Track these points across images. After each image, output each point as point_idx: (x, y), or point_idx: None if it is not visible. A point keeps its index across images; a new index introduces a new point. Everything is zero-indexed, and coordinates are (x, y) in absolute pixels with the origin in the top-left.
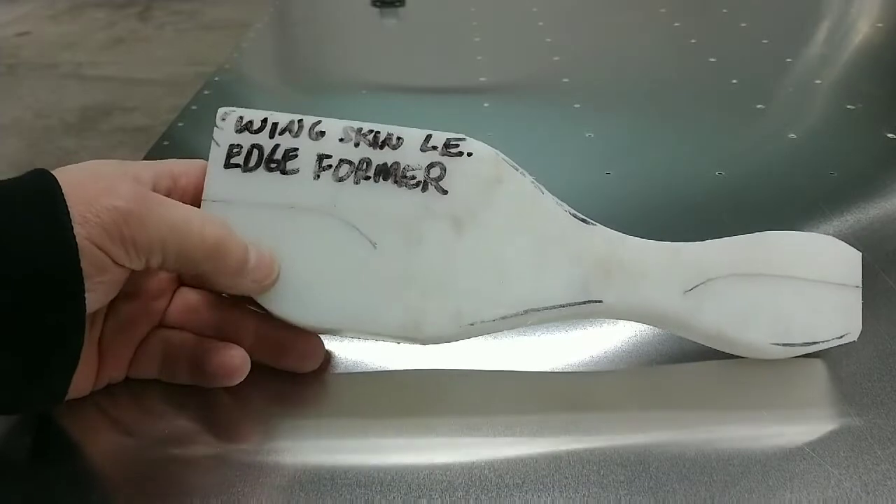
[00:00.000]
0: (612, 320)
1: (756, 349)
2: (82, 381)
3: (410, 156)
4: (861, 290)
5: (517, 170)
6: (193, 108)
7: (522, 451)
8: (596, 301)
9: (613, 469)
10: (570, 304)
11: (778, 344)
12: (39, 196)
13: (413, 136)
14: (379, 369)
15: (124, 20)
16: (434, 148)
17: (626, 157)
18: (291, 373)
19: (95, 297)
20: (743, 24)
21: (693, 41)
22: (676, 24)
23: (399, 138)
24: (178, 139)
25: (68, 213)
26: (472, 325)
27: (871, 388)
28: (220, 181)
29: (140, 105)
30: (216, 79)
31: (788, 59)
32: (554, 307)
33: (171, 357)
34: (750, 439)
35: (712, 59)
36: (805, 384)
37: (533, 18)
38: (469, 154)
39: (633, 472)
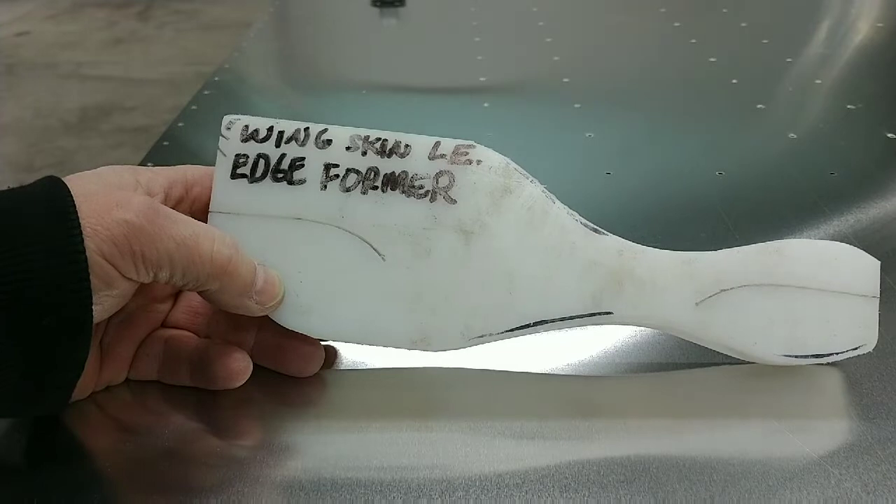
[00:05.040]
0: None
1: (768, 360)
2: (83, 384)
3: (418, 164)
4: (878, 300)
5: (527, 178)
6: (193, 108)
7: (522, 452)
8: (606, 313)
9: (613, 469)
10: (579, 316)
11: (790, 356)
12: (51, 207)
13: (421, 143)
14: (379, 369)
15: (124, 20)
16: (442, 156)
17: (627, 157)
18: None
19: (102, 309)
20: (743, 24)
21: (693, 41)
22: (676, 24)
23: (407, 146)
24: (178, 139)
25: (80, 226)
26: (480, 337)
27: (872, 388)
28: (226, 193)
29: (140, 105)
30: (216, 79)
31: (788, 59)
32: (563, 319)
33: (171, 359)
34: (749, 439)
35: (712, 59)
36: (805, 385)
37: (533, 18)
38: (478, 162)
39: (633, 472)
